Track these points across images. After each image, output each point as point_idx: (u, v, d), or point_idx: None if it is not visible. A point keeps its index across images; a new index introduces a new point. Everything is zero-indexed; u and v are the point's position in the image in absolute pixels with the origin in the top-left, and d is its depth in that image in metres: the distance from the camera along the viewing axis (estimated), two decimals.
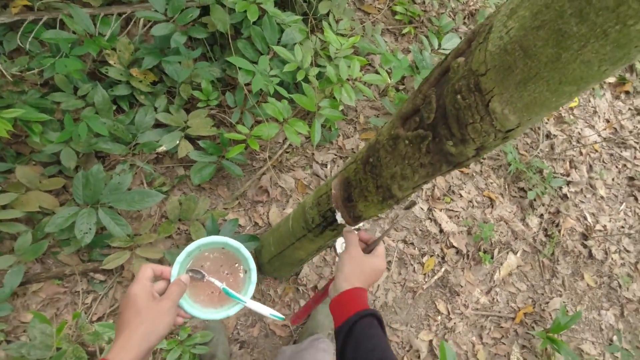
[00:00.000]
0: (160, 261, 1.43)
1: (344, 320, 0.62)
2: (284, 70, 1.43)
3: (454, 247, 1.77)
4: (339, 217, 0.69)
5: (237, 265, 0.67)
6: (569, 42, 0.31)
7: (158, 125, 1.53)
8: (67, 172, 1.41)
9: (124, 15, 1.47)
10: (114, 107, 1.50)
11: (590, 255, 1.98)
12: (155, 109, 1.54)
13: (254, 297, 0.68)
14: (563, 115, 2.25)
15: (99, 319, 1.30)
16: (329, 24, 1.70)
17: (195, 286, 0.64)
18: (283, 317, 0.66)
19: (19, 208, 1.26)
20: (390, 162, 0.54)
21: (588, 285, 1.94)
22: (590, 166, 2.18)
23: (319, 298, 0.87)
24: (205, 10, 1.50)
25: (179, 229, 1.49)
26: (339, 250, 1.03)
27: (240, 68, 1.41)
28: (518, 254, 1.87)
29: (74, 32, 1.36)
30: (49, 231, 1.22)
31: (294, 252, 1.03)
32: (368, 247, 0.73)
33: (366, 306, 0.64)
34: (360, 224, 0.81)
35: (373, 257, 0.71)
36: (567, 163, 2.14)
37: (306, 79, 1.51)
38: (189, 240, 1.47)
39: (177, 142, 1.48)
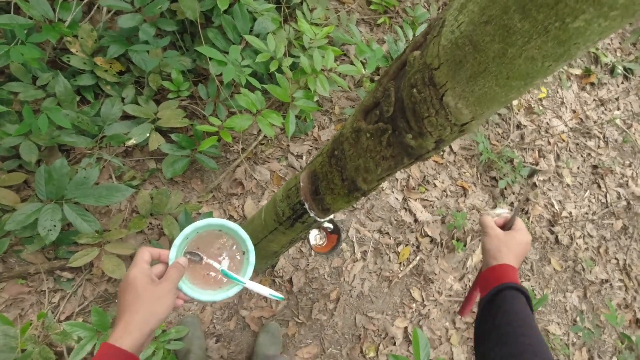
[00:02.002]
0: (132, 258, 1.39)
1: (486, 292, 0.61)
2: (257, 60, 1.40)
3: (428, 236, 1.81)
4: (310, 210, 0.68)
5: (234, 247, 0.67)
6: (513, 38, 0.31)
7: (126, 117, 1.47)
8: (28, 167, 1.35)
9: (85, 0, 1.40)
10: (78, 98, 1.43)
11: (557, 241, 2.07)
12: (123, 99, 1.48)
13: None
14: (533, 105, 2.32)
15: (68, 318, 1.26)
16: (303, 13, 1.68)
17: (193, 269, 0.64)
18: (282, 297, 0.66)
19: None
20: (354, 155, 0.54)
21: (554, 269, 2.03)
22: (558, 155, 2.27)
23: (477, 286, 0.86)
24: None
25: (150, 223, 1.45)
26: (312, 242, 1.04)
27: (211, 58, 1.37)
28: None
29: (30, 18, 1.27)
30: (9, 229, 1.16)
31: (268, 244, 1.03)
32: (506, 226, 0.73)
33: (514, 280, 0.62)
34: (331, 216, 0.81)
35: (514, 231, 0.71)
36: (536, 152, 2.21)
37: (280, 70, 1.49)
38: (162, 235, 1.44)
39: (148, 134, 1.43)
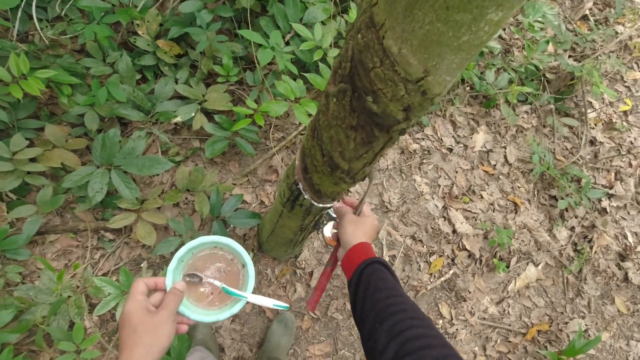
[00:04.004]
0: (166, 228, 1.48)
1: (353, 271, 0.68)
2: (301, 48, 1.40)
3: (466, 249, 1.66)
4: (304, 191, 0.65)
5: (233, 261, 0.66)
6: None
7: (178, 97, 1.57)
8: (91, 134, 1.50)
9: None
10: (139, 77, 1.56)
11: (626, 279, 1.78)
12: (177, 80, 1.58)
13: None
14: (614, 120, 2.02)
15: (104, 275, 1.38)
16: (357, 5, 1.64)
17: (194, 290, 0.64)
18: (287, 306, 0.65)
19: (43, 163, 1.36)
20: (326, 124, 0.50)
21: (619, 310, 1.75)
22: None
23: (329, 273, 0.88)
24: None
25: (186, 198, 1.53)
26: (327, 234, 1.01)
27: (257, 47, 1.41)
28: (539, 266, 1.73)
29: (111, 3, 1.42)
30: (66, 186, 1.30)
31: (281, 230, 1.02)
32: (356, 212, 0.84)
33: (373, 255, 0.70)
34: (333, 204, 0.77)
35: (364, 217, 0.81)
36: (612, 174, 1.92)
37: (325, 61, 1.47)
38: (194, 211, 1.51)
39: (193, 114, 1.51)
